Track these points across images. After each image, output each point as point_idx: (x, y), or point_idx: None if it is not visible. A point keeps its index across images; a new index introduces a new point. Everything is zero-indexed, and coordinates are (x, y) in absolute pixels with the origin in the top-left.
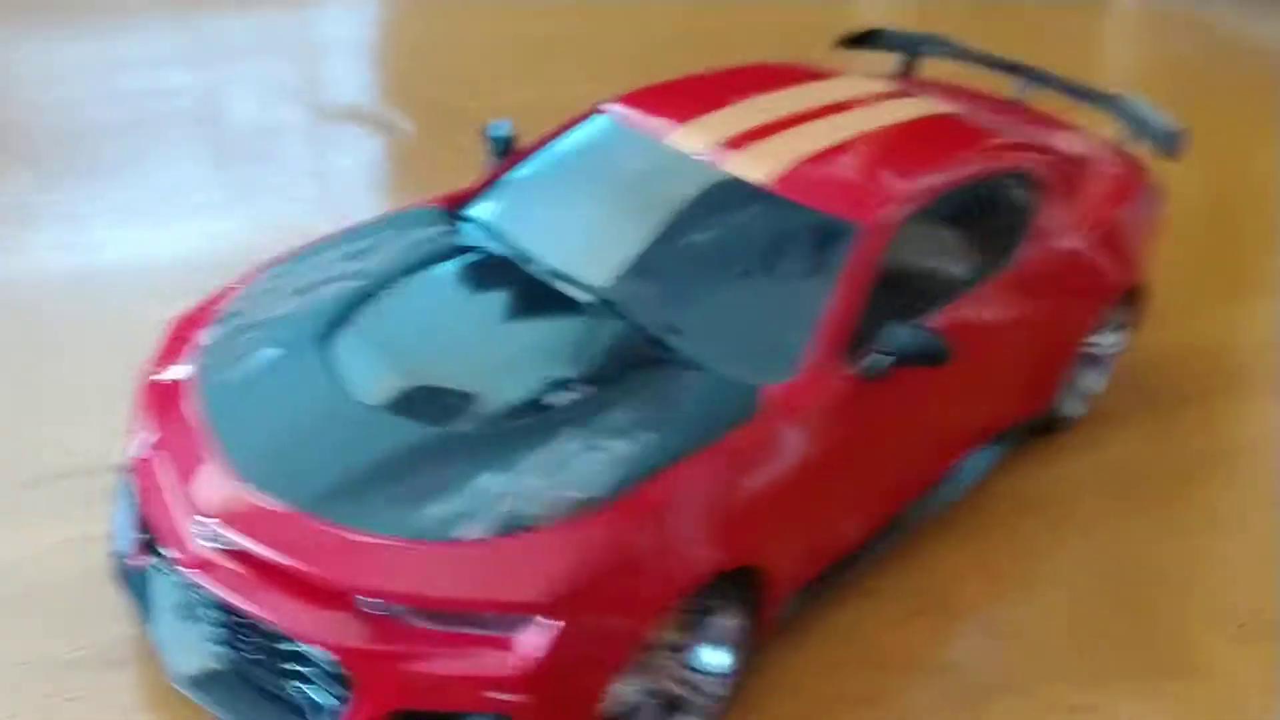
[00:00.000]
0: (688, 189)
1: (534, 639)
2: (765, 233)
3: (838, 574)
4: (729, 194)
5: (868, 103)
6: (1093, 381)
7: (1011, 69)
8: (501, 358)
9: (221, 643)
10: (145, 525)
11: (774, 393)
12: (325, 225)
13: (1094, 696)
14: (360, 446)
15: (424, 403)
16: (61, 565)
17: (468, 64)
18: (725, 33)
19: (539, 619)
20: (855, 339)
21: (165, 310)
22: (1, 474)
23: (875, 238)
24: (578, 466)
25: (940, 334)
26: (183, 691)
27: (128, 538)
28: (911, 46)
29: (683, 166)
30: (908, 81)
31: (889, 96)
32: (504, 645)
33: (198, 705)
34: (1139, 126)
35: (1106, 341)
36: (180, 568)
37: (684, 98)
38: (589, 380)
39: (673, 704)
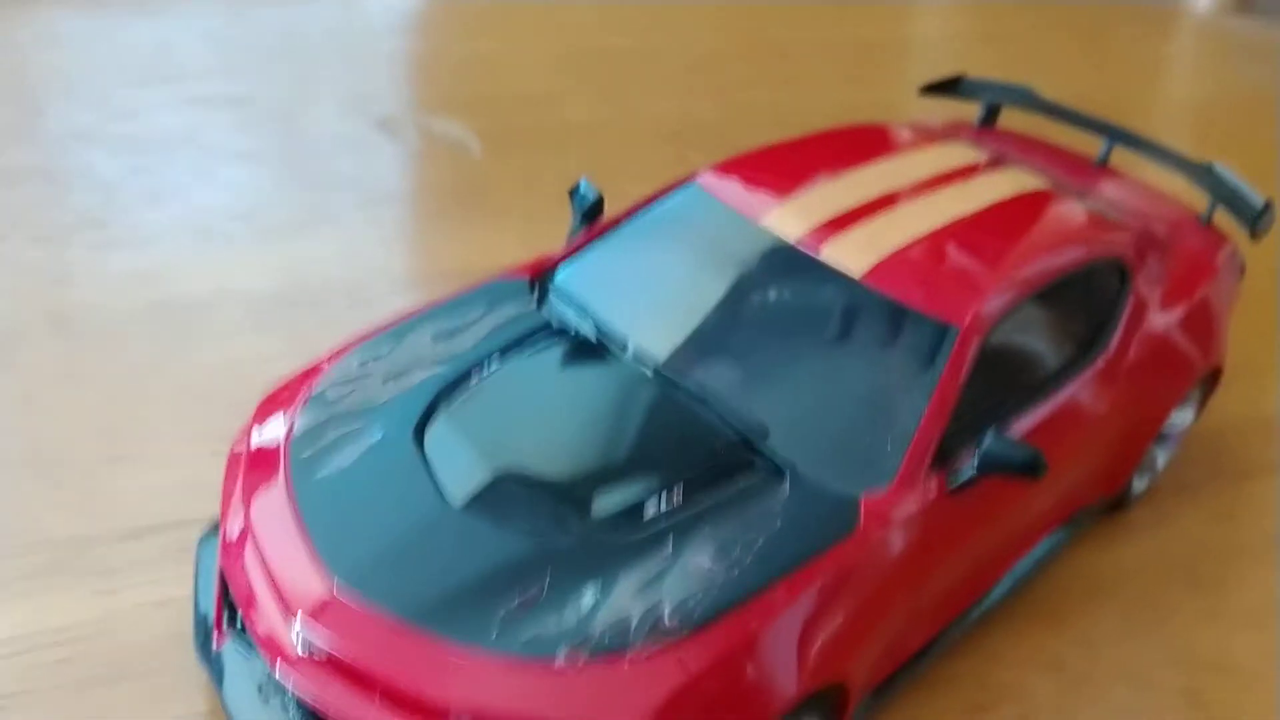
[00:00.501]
0: (781, 277)
1: None
2: (859, 328)
3: (908, 671)
4: (823, 285)
5: (961, 178)
6: (1160, 457)
7: (1097, 128)
8: (596, 456)
9: None
10: (227, 606)
11: (873, 504)
12: (388, 256)
13: None
14: (459, 555)
15: (523, 508)
16: (143, 630)
17: (529, 78)
18: (792, 46)
19: None
20: (944, 445)
21: (250, 345)
22: (81, 526)
23: (972, 338)
24: (675, 589)
25: (1034, 446)
26: None
27: (210, 614)
28: (995, 97)
29: (777, 252)
30: (990, 135)
31: (982, 169)
32: None
33: None
34: (1228, 199)
35: (1178, 419)
36: (269, 660)
37: (777, 169)
38: (684, 485)
39: None
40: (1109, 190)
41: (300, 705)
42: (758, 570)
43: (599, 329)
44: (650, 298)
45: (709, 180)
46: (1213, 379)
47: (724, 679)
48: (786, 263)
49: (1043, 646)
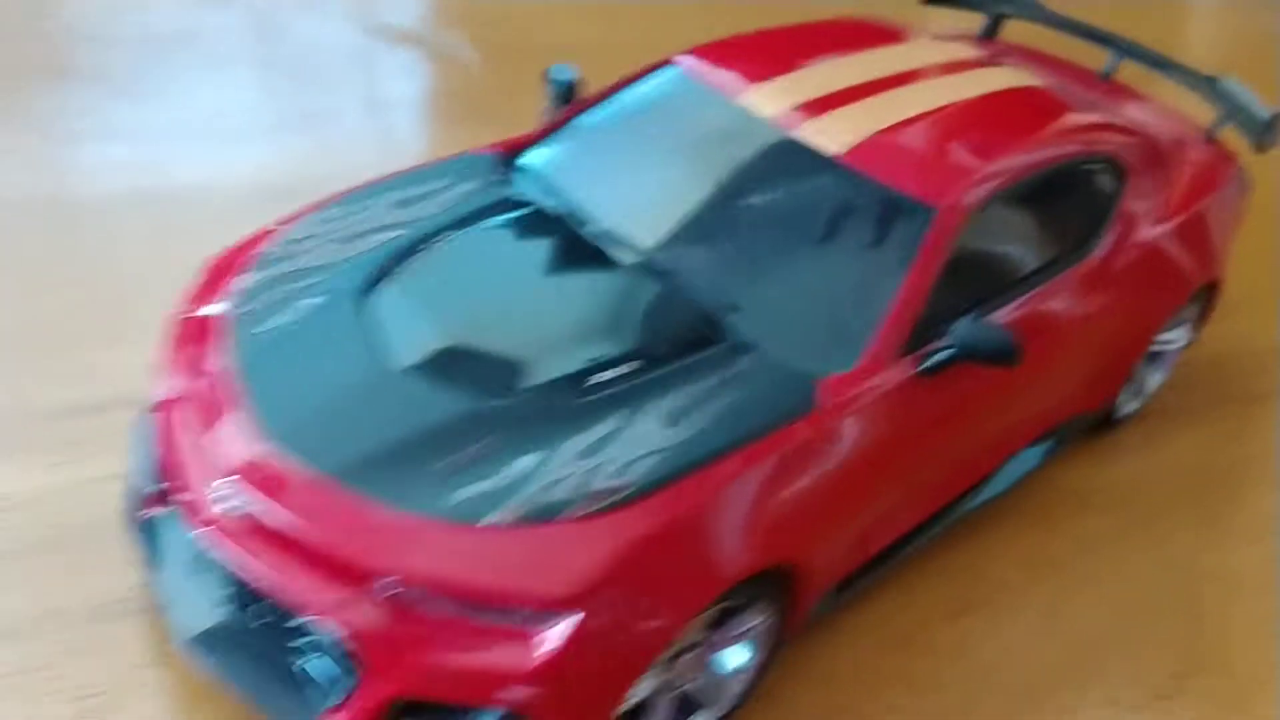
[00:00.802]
0: (758, 155)
1: (556, 634)
2: (835, 208)
3: (876, 568)
4: (801, 163)
5: (952, 70)
6: (1153, 378)
7: (1103, 40)
8: (549, 326)
9: (228, 606)
10: (162, 474)
11: (831, 385)
12: (381, 156)
13: (1133, 694)
14: (395, 415)
15: (465, 371)
16: (85, 505)
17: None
18: None
19: (563, 614)
20: (919, 328)
21: (222, 237)
22: (37, 400)
23: (952, 222)
24: (619, 454)
25: (1012, 332)
26: (182, 651)
27: (142, 484)
28: (998, 6)
29: (754, 130)
30: (992, 45)
31: (975, 65)
32: (524, 638)
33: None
34: (1234, 113)
35: (1172, 337)
36: (193, 527)
37: (760, 54)
38: (638, 357)
39: (687, 701)
40: (1113, 102)
41: (225, 574)
42: (705, 441)
43: (566, 205)
44: (621, 176)
45: (689, 61)
46: (1210, 297)
47: (663, 546)
48: (763, 141)
49: (1033, 548)
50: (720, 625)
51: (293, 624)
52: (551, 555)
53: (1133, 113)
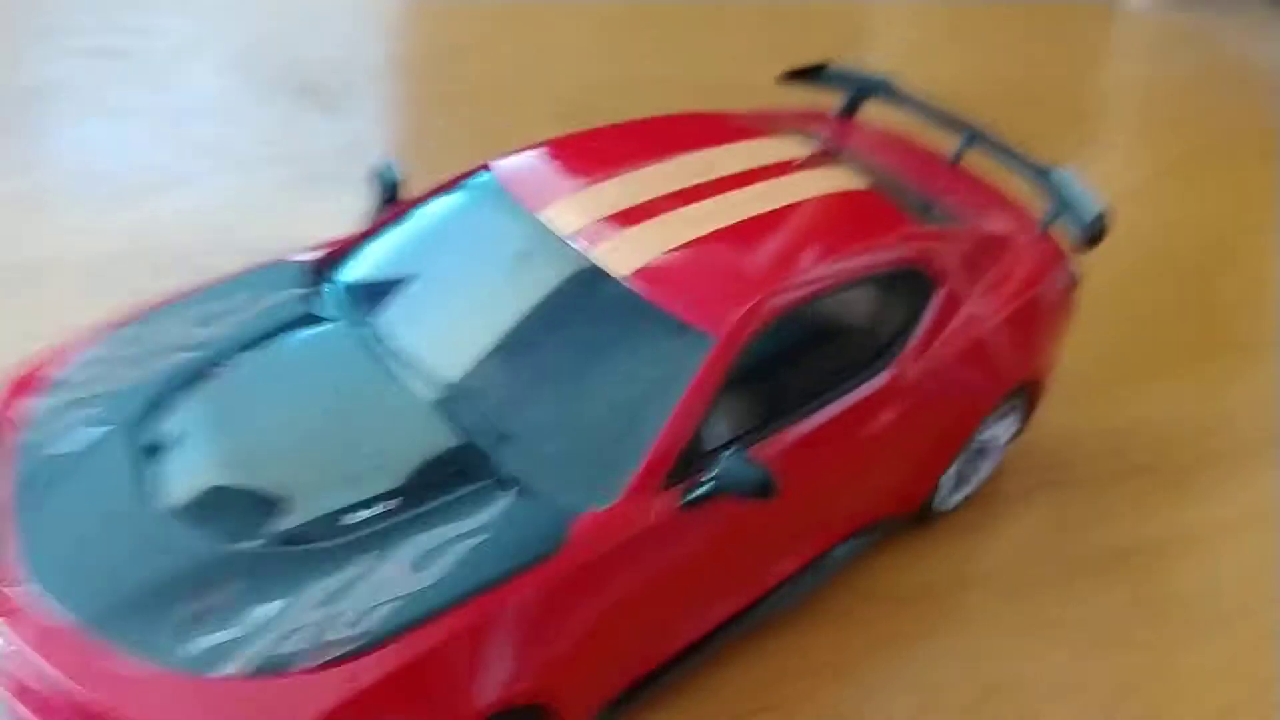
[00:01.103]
0: (551, 275)
1: None
2: (615, 333)
3: (648, 685)
4: (589, 285)
5: (773, 175)
6: (981, 470)
7: (953, 124)
8: (319, 460)
9: None
10: None
11: (585, 523)
12: (252, 219)
13: None
14: (148, 558)
15: (222, 511)
16: None
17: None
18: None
19: None
20: (686, 459)
21: (73, 317)
22: None
23: (726, 350)
24: (358, 602)
25: (766, 467)
26: None
27: None
28: (857, 88)
29: (550, 248)
30: (845, 126)
31: (801, 165)
32: None
33: None
34: (1063, 207)
35: (997, 431)
36: None
37: (580, 158)
38: (399, 495)
39: None
40: (955, 190)
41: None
42: (447, 587)
43: (363, 324)
44: (417, 292)
45: (502, 167)
46: (1033, 392)
47: (396, 694)
48: (557, 260)
49: (826, 650)
50: None
51: None
52: (279, 708)
53: (971, 201)
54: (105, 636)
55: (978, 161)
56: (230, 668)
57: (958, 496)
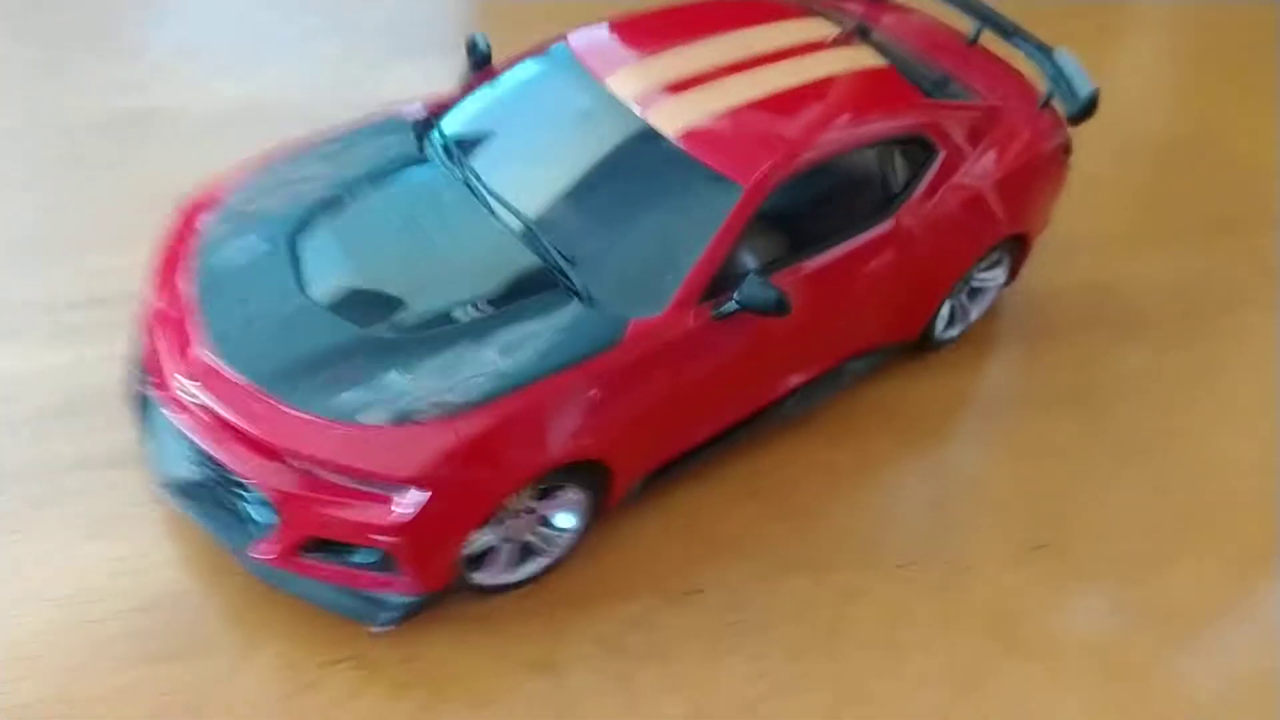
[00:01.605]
0: (612, 133)
1: (406, 502)
2: (664, 182)
3: (681, 464)
4: (643, 143)
5: (802, 53)
6: (974, 309)
7: (972, 10)
8: (428, 270)
9: (194, 465)
10: (146, 365)
11: (639, 326)
12: (346, 90)
13: (867, 578)
14: (304, 337)
15: (358, 305)
16: (90, 379)
17: None
18: None
19: (411, 489)
20: (719, 282)
21: (210, 156)
22: (47, 294)
23: (752, 198)
24: (462, 376)
25: (781, 289)
26: (161, 494)
27: (135, 369)
28: None
29: (612, 110)
30: (878, 7)
31: (828, 46)
32: (386, 502)
33: (172, 504)
34: (1060, 85)
35: (988, 276)
36: (168, 408)
37: (641, 34)
38: (492, 300)
39: (526, 549)
40: (970, 66)
41: (192, 444)
42: (532, 366)
43: (460, 166)
44: (505, 143)
45: (576, 39)
46: (1021, 246)
47: (488, 444)
48: (618, 120)
49: (823, 454)
50: (546, 497)
51: (239, 481)
52: (404, 447)
53: (982, 77)
54: (271, 392)
55: (993, 42)
56: (366, 417)
57: (953, 331)
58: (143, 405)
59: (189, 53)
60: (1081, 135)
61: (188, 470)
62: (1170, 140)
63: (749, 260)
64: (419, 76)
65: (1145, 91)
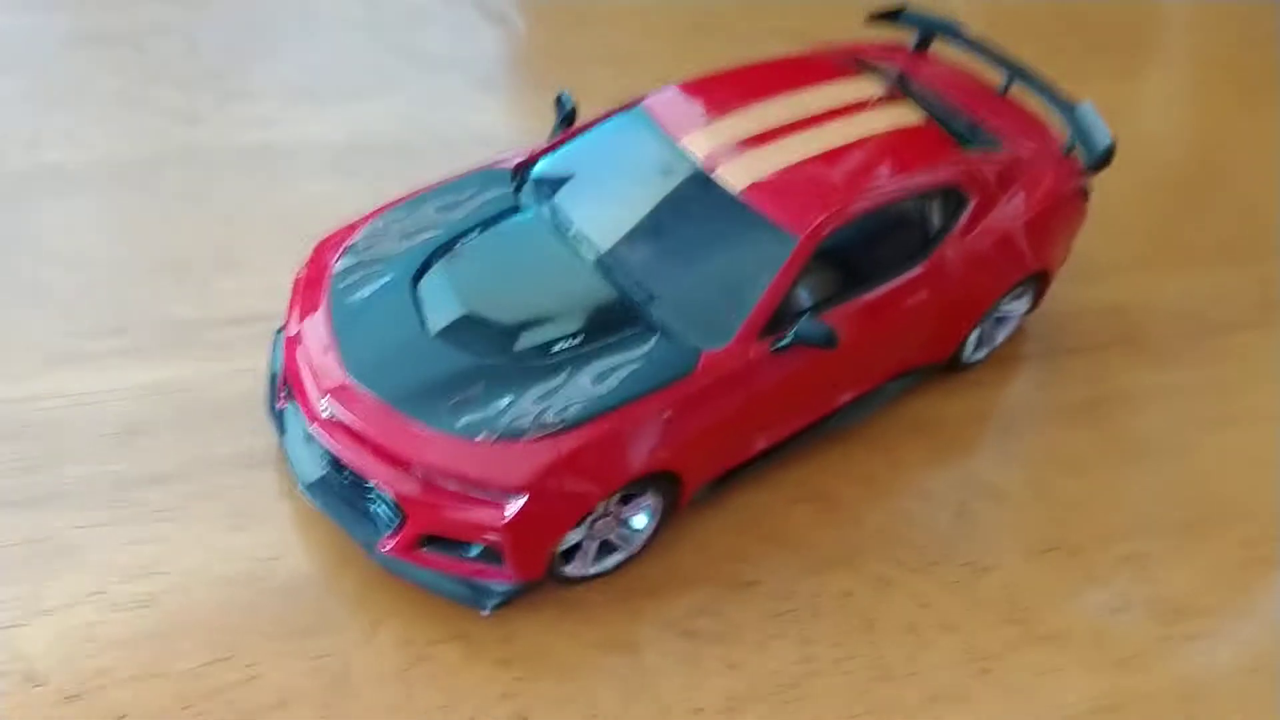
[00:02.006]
0: (684, 187)
1: (514, 506)
2: (730, 231)
3: (742, 470)
4: (712, 197)
5: (850, 112)
6: (1000, 334)
7: (1003, 64)
8: (531, 306)
9: (329, 469)
10: (286, 381)
11: (709, 357)
12: (448, 117)
13: (899, 574)
14: (429, 366)
15: (472, 338)
16: (230, 390)
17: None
18: None
19: (518, 495)
20: (778, 318)
21: (324, 187)
22: (194, 313)
23: (806, 247)
24: (561, 400)
25: (830, 326)
26: (301, 493)
27: (276, 384)
28: (927, 29)
29: (685, 167)
30: (919, 58)
31: (871, 105)
32: (496, 506)
33: (310, 503)
34: (1081, 137)
35: (1013, 306)
36: (307, 421)
37: (708, 97)
38: (585, 333)
39: (607, 545)
40: (999, 116)
41: (326, 452)
42: (620, 392)
43: (553, 214)
44: (593, 194)
45: (652, 101)
46: (1043, 280)
47: (584, 458)
48: (691, 177)
49: (860, 463)
50: (626, 502)
51: (366, 484)
52: (513, 461)
53: (1010, 126)
54: (404, 412)
55: (1021, 93)
56: (482, 435)
57: (980, 354)
58: (281, 416)
59: (304, 89)
60: (1108, 168)
61: (323, 473)
62: (1185, 173)
63: (804, 297)
64: (500, 108)
65: (1163, 126)
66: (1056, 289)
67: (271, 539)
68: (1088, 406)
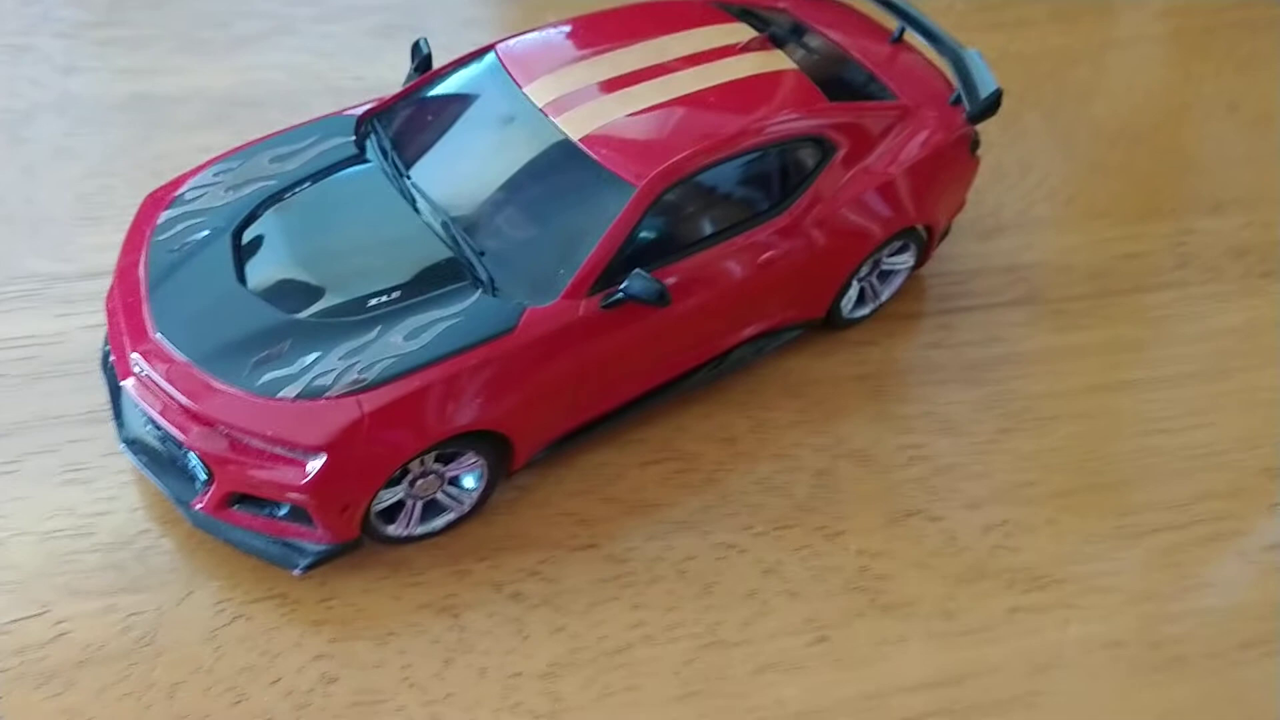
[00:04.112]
0: (526, 136)
1: (314, 465)
2: (566, 182)
3: (587, 431)
4: (552, 145)
5: (712, 58)
6: (885, 291)
7: (895, 10)
8: (353, 262)
9: (150, 424)
10: (110, 342)
11: (532, 314)
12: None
13: (746, 539)
14: (237, 321)
15: (287, 294)
16: (80, 343)
17: None
18: None
19: (315, 455)
20: (613, 274)
21: (204, 138)
22: (52, 268)
23: (643, 199)
24: (369, 356)
25: (662, 283)
26: (121, 450)
27: (105, 344)
28: None
29: (529, 115)
30: (812, 2)
31: (739, 50)
32: (299, 465)
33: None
34: (967, 84)
35: (897, 260)
36: (123, 382)
37: (564, 42)
38: (404, 288)
39: (435, 506)
40: (889, 63)
41: (138, 405)
42: (432, 349)
43: (393, 164)
44: (432, 143)
45: (504, 46)
46: (930, 234)
47: (389, 416)
48: (532, 124)
49: (724, 425)
50: (449, 461)
51: (179, 442)
52: (313, 419)
53: (900, 72)
54: (206, 370)
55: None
56: (283, 392)
57: (862, 311)
58: (112, 374)
59: (193, 39)
60: (1022, 120)
61: (144, 432)
62: (1117, 127)
63: (635, 254)
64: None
65: (1098, 75)
66: (957, 244)
67: (100, 495)
68: (975, 368)
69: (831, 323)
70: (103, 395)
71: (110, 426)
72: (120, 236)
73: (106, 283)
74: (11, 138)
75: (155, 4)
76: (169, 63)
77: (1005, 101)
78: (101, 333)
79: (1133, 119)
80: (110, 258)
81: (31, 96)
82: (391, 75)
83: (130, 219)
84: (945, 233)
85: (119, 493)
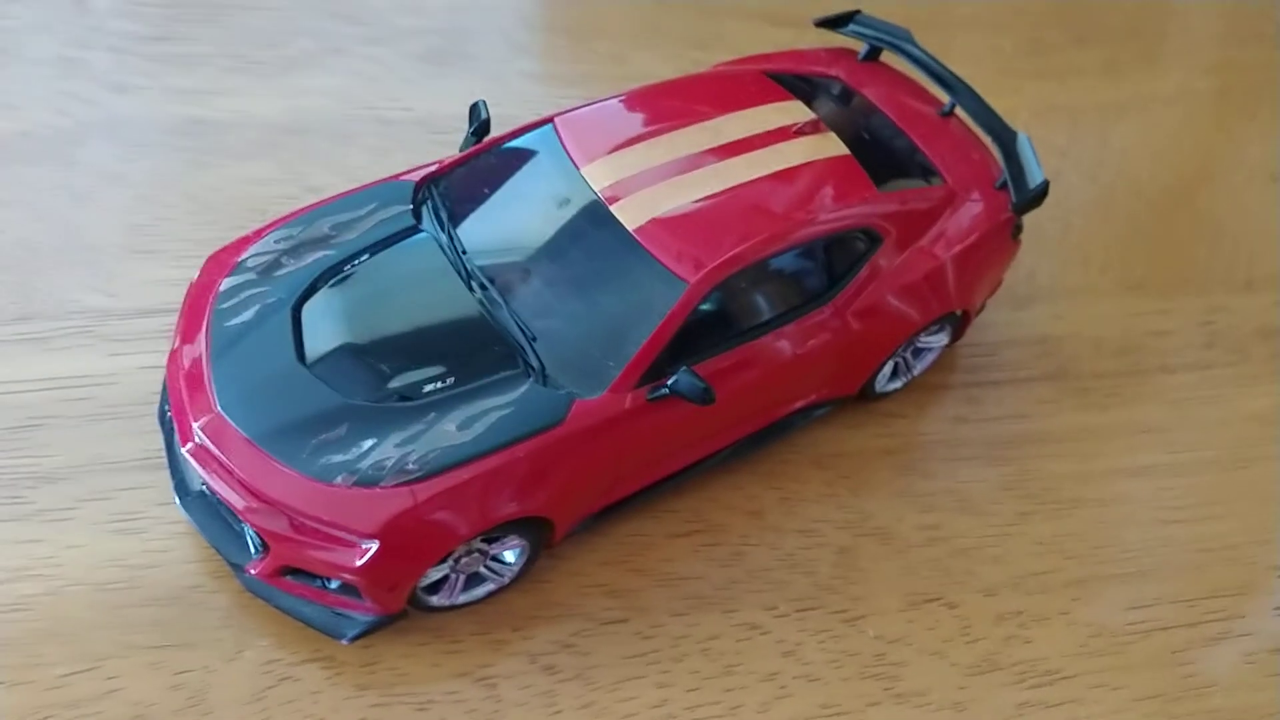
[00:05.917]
0: (582, 219)
1: (366, 549)
2: (621, 272)
3: (622, 506)
4: (607, 232)
5: (768, 142)
6: (918, 366)
7: (949, 85)
8: (409, 344)
9: (206, 487)
10: (170, 404)
11: (581, 406)
12: (389, 95)
13: (769, 619)
14: (297, 401)
15: (345, 373)
16: (135, 384)
17: None
18: None
19: (371, 540)
20: (657, 367)
21: (246, 172)
22: (105, 302)
23: (694, 295)
24: (423, 446)
25: (706, 383)
26: (177, 506)
27: (163, 401)
28: (877, 39)
29: (585, 200)
30: (866, 66)
31: (793, 134)
32: (353, 547)
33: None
34: (1014, 171)
35: (932, 339)
36: (182, 448)
37: (620, 121)
38: (458, 374)
39: (476, 576)
40: (938, 139)
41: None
42: (484, 440)
43: (449, 239)
44: (490, 219)
45: (564, 121)
46: (964, 317)
47: (440, 506)
48: (588, 209)
49: (752, 497)
50: (493, 542)
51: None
52: (367, 506)
53: (949, 149)
54: (266, 449)
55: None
56: (340, 478)
57: (895, 384)
58: (170, 430)
59: (245, 59)
60: (1065, 179)
61: (200, 492)
62: (1157, 190)
63: (682, 349)
64: (456, 90)
65: (1137, 139)
66: (990, 312)
67: (153, 546)
68: (1001, 445)
69: (863, 396)
70: (156, 440)
71: (164, 475)
72: (173, 272)
73: (159, 321)
74: (60, 159)
75: (209, 18)
76: (221, 84)
77: (1050, 158)
78: (155, 375)
79: (1173, 182)
80: (163, 293)
81: (80, 115)
82: (441, 109)
83: (182, 254)
84: (980, 308)
85: (171, 544)
